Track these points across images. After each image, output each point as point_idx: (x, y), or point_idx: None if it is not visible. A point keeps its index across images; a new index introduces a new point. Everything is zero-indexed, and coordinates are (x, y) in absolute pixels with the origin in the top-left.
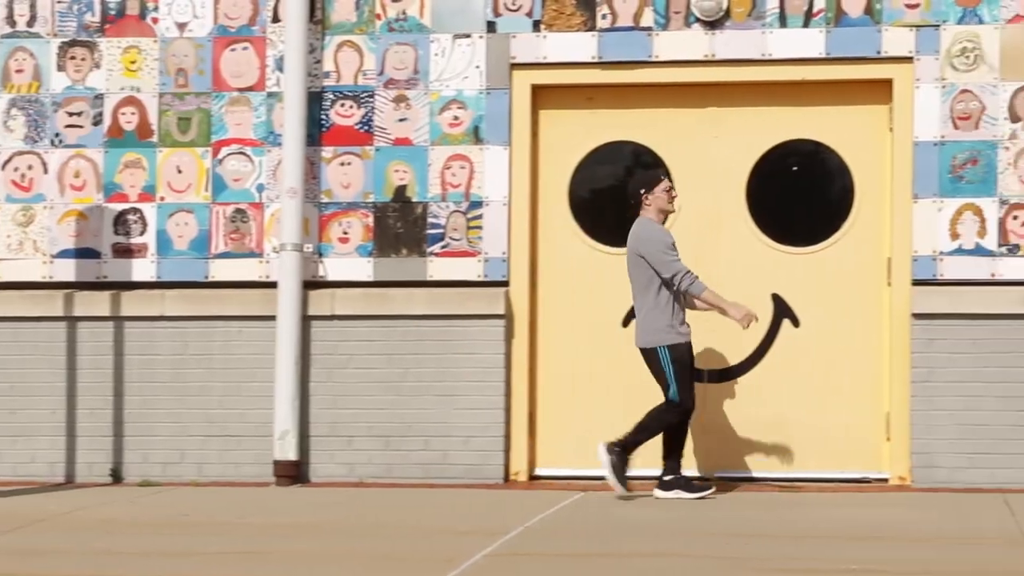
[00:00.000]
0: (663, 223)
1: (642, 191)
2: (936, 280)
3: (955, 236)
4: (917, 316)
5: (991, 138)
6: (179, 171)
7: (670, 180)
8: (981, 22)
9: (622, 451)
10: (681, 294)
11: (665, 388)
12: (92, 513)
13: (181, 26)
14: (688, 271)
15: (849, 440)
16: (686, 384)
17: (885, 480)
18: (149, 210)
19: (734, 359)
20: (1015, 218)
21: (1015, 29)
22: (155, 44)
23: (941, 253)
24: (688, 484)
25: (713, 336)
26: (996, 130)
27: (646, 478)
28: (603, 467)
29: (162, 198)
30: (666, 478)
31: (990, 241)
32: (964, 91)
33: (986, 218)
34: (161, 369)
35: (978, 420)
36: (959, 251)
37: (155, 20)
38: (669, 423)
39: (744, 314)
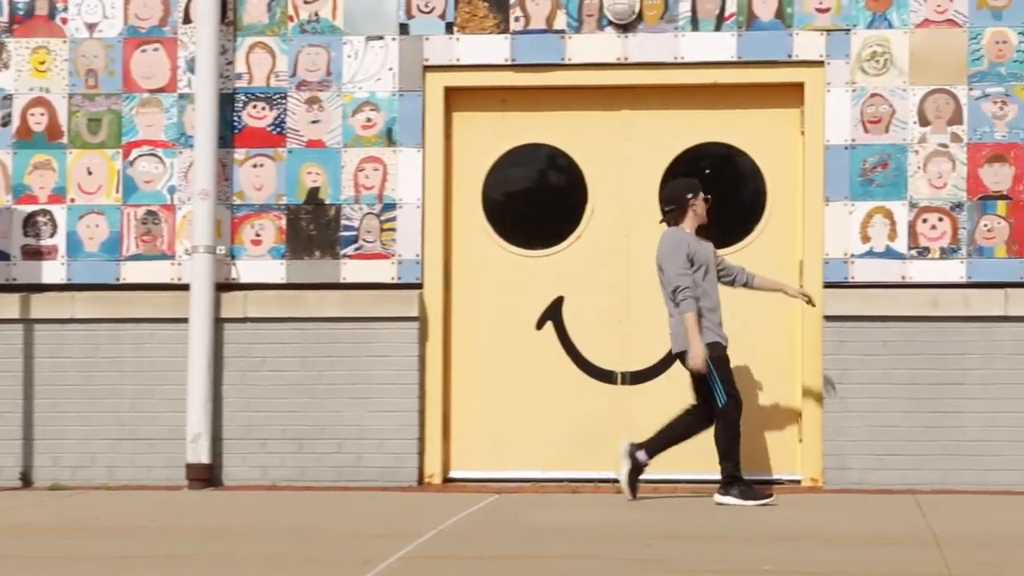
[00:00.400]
0: (695, 231)
1: (689, 196)
2: (847, 283)
3: (866, 239)
4: (828, 318)
5: (901, 142)
6: (89, 173)
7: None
8: (891, 27)
9: (732, 478)
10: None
11: (708, 395)
12: (1, 517)
13: (91, 26)
14: (687, 288)
15: (762, 441)
16: (729, 380)
17: (798, 481)
18: (59, 212)
19: (648, 361)
20: (924, 221)
21: (924, 34)
22: (64, 45)
23: (852, 256)
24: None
25: (627, 338)
26: (906, 134)
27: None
28: (736, 502)
29: (72, 200)
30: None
31: (900, 244)
32: (874, 95)
33: (896, 221)
34: (72, 372)
35: (888, 421)
36: (870, 254)
37: (64, 21)
38: (735, 424)
39: (697, 364)
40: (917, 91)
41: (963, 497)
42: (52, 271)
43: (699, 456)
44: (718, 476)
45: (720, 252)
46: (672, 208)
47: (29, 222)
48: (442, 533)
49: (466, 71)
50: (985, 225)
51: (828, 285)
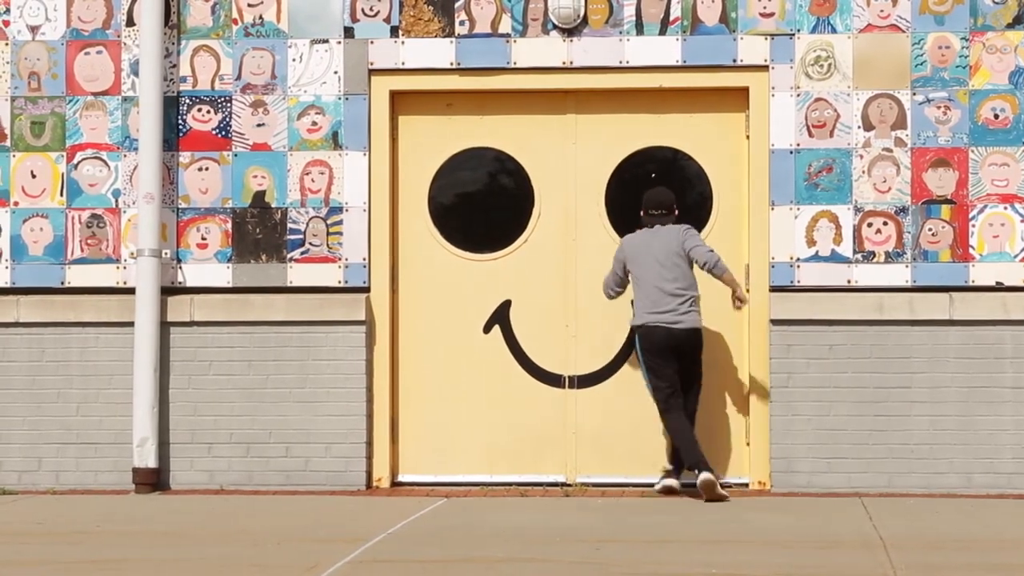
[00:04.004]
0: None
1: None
2: (793, 287)
3: (811, 243)
4: (775, 322)
5: (845, 146)
6: (33, 176)
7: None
8: (834, 31)
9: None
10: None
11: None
12: None
13: (33, 29)
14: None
15: (709, 445)
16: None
17: (745, 485)
18: (3, 215)
19: (596, 365)
20: (869, 225)
21: (867, 38)
22: (7, 47)
23: (798, 260)
24: None
25: (574, 342)
26: (850, 138)
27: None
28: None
29: (16, 203)
30: None
31: (846, 248)
32: (818, 99)
33: (841, 225)
34: (16, 376)
35: (835, 425)
36: (815, 258)
37: (6, 23)
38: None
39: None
40: (861, 96)
41: (909, 500)
42: None
43: (647, 460)
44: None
45: None
46: (667, 212)
47: None
48: (390, 537)
49: (411, 75)
50: (930, 229)
51: (774, 289)
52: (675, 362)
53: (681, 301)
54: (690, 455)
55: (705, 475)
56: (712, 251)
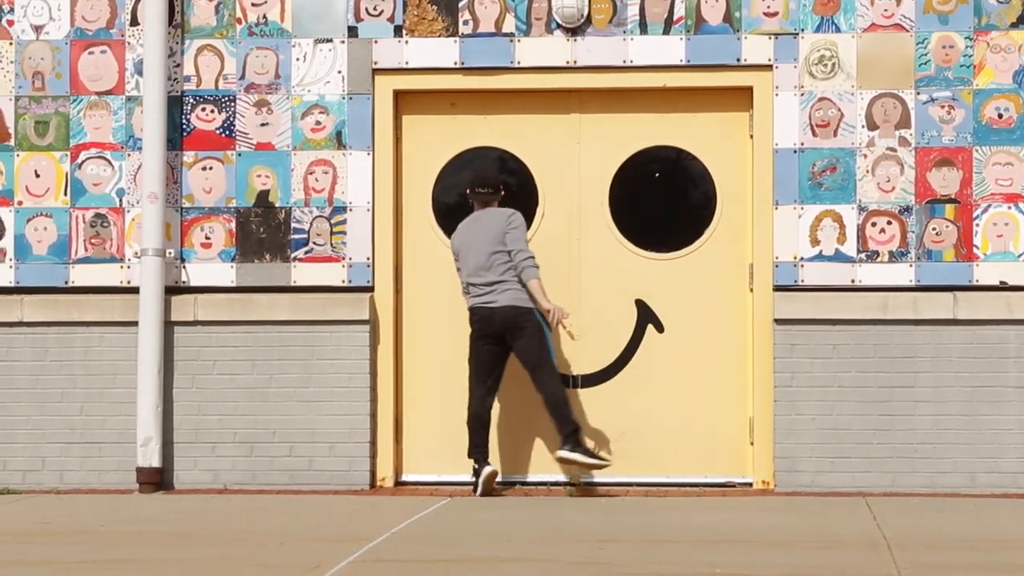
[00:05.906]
0: None
1: (501, 184)
2: (797, 286)
3: (815, 242)
4: (779, 322)
5: (849, 145)
6: (37, 175)
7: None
8: (838, 31)
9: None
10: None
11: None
12: None
13: (37, 28)
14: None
15: (713, 444)
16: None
17: (749, 484)
18: (7, 215)
19: (600, 364)
20: (874, 225)
21: (871, 38)
22: (10, 47)
23: (802, 259)
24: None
25: (579, 342)
26: (854, 137)
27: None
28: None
29: (20, 203)
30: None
31: (850, 247)
32: (822, 99)
33: (845, 224)
34: (20, 375)
35: (839, 424)
36: (819, 257)
37: (10, 23)
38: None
39: (556, 317)
40: (865, 95)
41: (913, 499)
42: (0, 274)
43: (652, 459)
44: (670, 479)
45: (671, 255)
46: (493, 191)
47: None
48: (394, 536)
49: (415, 74)
50: (934, 229)
51: (778, 288)
52: (496, 347)
53: (502, 286)
54: (475, 449)
55: (488, 470)
56: (530, 258)
